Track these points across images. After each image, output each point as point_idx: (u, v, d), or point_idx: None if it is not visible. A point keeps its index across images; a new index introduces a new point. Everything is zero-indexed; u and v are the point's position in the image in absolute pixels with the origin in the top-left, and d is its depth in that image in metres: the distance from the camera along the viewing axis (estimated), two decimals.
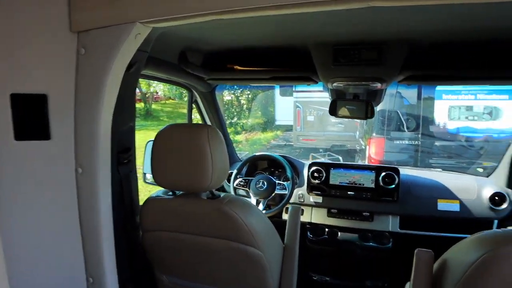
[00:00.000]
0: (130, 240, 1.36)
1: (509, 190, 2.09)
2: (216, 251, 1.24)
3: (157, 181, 1.24)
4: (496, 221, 2.09)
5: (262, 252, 1.23)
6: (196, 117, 2.64)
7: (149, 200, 1.32)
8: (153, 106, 14.45)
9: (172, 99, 15.61)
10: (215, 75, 1.85)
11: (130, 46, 1.10)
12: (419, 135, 4.51)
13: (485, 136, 4.28)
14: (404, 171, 2.25)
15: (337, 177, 2.22)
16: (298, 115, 9.63)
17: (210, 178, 1.17)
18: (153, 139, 2.37)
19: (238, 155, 2.88)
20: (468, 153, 4.34)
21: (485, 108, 4.20)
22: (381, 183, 2.14)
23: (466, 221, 2.10)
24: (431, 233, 2.13)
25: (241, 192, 2.34)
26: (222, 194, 1.29)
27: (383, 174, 2.15)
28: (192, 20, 1.03)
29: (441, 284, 1.06)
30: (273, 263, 1.32)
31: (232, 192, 2.29)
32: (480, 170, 3.49)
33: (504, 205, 2.04)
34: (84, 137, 1.11)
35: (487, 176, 2.33)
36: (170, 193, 1.33)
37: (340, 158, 7.59)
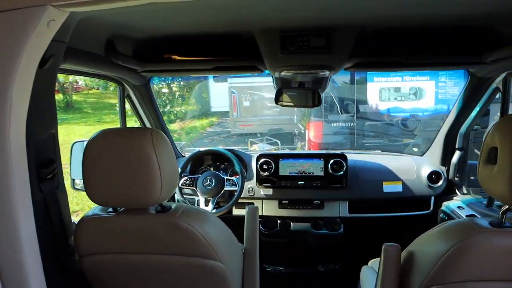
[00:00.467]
0: (65, 269, 1.14)
1: (443, 167, 2.24)
2: (172, 269, 1.09)
3: (93, 198, 1.04)
4: (433, 198, 2.23)
5: (224, 264, 1.11)
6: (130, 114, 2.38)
7: (84, 219, 1.10)
8: (74, 97, 13.17)
9: (96, 89, 14.41)
10: (150, 67, 1.63)
11: (42, 36, 0.87)
12: (355, 117, 4.71)
13: (412, 115, 4.62)
14: (351, 156, 2.28)
15: (286, 168, 2.17)
16: (234, 101, 9.51)
17: (159, 191, 1.01)
18: (81, 140, 2.10)
19: (177, 146, 2.69)
20: (398, 132, 4.67)
21: (410, 89, 4.51)
22: (330, 171, 2.14)
23: (408, 200, 2.21)
24: (378, 214, 2.20)
25: (188, 191, 2.18)
26: (173, 205, 1.13)
27: (331, 161, 2.14)
28: (119, 3, 0.83)
29: (410, 277, 1.05)
30: (235, 271, 1.22)
31: (178, 193, 2.11)
32: (415, 149, 3.75)
33: (440, 182, 2.18)
34: None
35: (422, 155, 2.47)
36: (110, 209, 1.13)
37: (278, 142, 7.69)
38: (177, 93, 11.67)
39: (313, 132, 4.76)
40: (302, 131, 5.53)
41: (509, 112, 1.80)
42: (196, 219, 1.08)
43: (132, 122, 2.51)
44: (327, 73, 1.66)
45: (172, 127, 11.17)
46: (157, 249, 1.08)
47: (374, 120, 4.73)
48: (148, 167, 0.99)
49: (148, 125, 2.28)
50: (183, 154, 2.69)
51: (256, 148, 7.89)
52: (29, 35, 0.83)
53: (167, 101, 11.51)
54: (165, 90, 11.17)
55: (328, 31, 1.42)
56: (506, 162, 0.85)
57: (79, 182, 2.00)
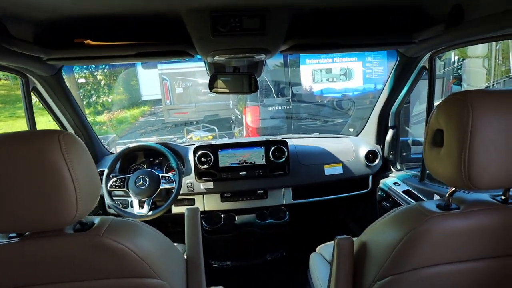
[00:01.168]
0: None
1: (378, 146, 2.30)
2: None
3: None
4: (370, 176, 2.29)
5: (165, 280, 0.97)
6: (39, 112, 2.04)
7: None
8: None
9: (5, 80, 12.71)
10: (58, 54, 1.36)
11: None
12: (290, 100, 4.73)
13: (344, 95, 4.78)
14: (291, 142, 2.24)
15: (226, 159, 2.05)
16: (165, 88, 9.08)
17: (75, 207, 0.82)
18: None
19: (104, 140, 2.41)
20: (333, 113, 4.81)
21: (341, 69, 4.64)
22: (272, 158, 2.07)
23: (348, 181, 2.24)
24: (321, 198, 2.21)
25: (118, 193, 1.95)
26: (96, 220, 0.95)
27: (272, 148, 2.08)
28: None
29: (364, 268, 1.01)
30: (178, 285, 1.08)
31: (106, 196, 1.88)
32: (351, 129, 3.88)
33: (377, 161, 2.24)
34: None
35: (357, 135, 2.53)
36: (14, 233, 0.91)
37: (216, 128, 7.54)
38: (102, 82, 10.75)
39: (250, 117, 4.70)
40: (239, 117, 5.43)
41: (435, 89, 1.88)
42: (125, 233, 0.92)
43: (48, 119, 2.16)
44: (263, 56, 1.55)
45: (99, 119, 10.33)
46: (80, 276, 0.90)
47: (309, 102, 4.81)
48: (58, 180, 0.80)
49: (65, 122, 1.98)
50: (111, 151, 2.42)
51: (193, 137, 7.66)
52: None
53: (92, 91, 10.57)
54: (85, 79, 10.24)
55: (262, 11, 1.30)
56: (452, 144, 0.83)
57: None
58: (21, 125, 9.47)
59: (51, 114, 1.91)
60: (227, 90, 1.83)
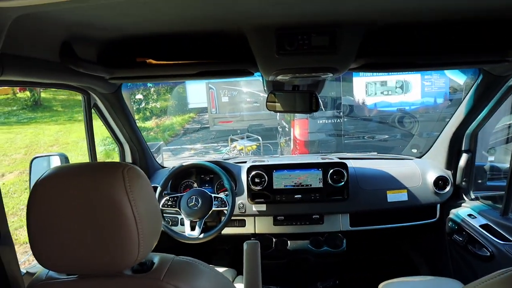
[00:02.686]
0: None
1: (448, 171, 2.07)
2: None
3: (42, 262, 0.77)
4: (438, 205, 2.06)
5: None
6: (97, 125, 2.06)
7: (35, 285, 0.83)
8: (43, 94, 12.37)
9: None
10: (120, 73, 1.34)
11: None
12: (341, 113, 4.53)
13: (399, 109, 4.49)
14: (350, 163, 2.07)
15: (281, 180, 1.94)
16: (212, 97, 9.22)
17: (137, 250, 0.75)
18: (42, 155, 1.78)
19: (152, 148, 2.40)
20: (388, 129, 4.52)
21: (397, 82, 4.37)
22: (330, 181, 1.93)
23: (413, 209, 2.03)
24: (382, 226, 2.02)
25: (170, 211, 1.90)
26: (156, 259, 0.87)
27: (331, 171, 1.93)
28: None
29: None
30: None
31: None
32: (414, 150, 3.61)
33: (447, 188, 2.01)
34: None
35: (421, 157, 2.31)
36: None
37: (260, 138, 7.48)
38: (152, 89, 11.18)
39: (298, 130, 4.55)
40: (286, 129, 5.31)
41: None
42: (185, 276, 0.84)
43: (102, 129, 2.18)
44: (330, 75, 1.43)
45: (147, 124, 10.72)
46: None
47: (362, 117, 4.56)
48: (121, 220, 0.73)
49: (120, 136, 1.98)
50: (158, 158, 2.41)
51: (237, 146, 7.66)
52: None
53: (141, 97, 11.02)
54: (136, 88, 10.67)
55: (332, 28, 1.18)
56: None
57: None
58: (77, 128, 10.07)
59: (108, 128, 1.92)
60: (285, 109, 1.73)
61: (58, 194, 0.74)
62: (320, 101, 1.73)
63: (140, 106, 10.87)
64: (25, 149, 8.05)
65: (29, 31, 0.92)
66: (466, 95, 1.84)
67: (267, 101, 1.72)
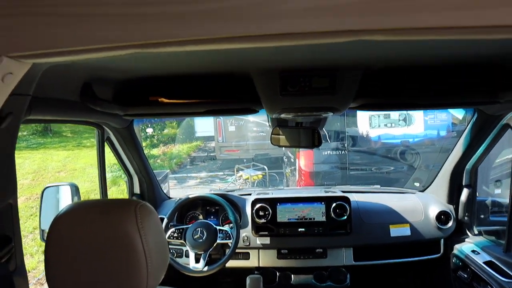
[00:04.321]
0: None
1: (451, 206, 2.09)
2: None
3: None
4: (442, 240, 2.07)
5: None
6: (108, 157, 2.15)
7: None
8: None
9: None
10: (134, 111, 1.43)
11: None
12: (345, 145, 4.59)
13: (402, 142, 4.54)
14: (352, 197, 2.11)
15: (285, 213, 1.98)
16: (219, 126, 9.36)
17: (145, 283, 0.80)
18: (53, 184, 1.85)
19: (159, 176, 2.46)
20: (391, 162, 4.56)
21: (400, 115, 4.45)
22: (333, 215, 1.96)
23: (417, 244, 2.03)
24: (385, 261, 2.02)
25: (175, 243, 1.94)
26: None
27: (333, 205, 1.96)
28: (94, 54, 0.65)
29: None
30: None
31: None
32: (417, 184, 3.63)
33: (450, 223, 2.03)
34: None
35: (423, 190, 2.33)
36: None
37: (265, 167, 7.52)
38: None
39: (303, 161, 4.60)
40: (292, 159, 5.36)
41: None
42: None
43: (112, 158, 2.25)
44: (330, 114, 1.51)
45: (154, 152, 10.83)
46: None
47: (366, 151, 4.61)
48: (131, 254, 0.78)
49: (130, 168, 2.06)
50: (169, 195, 2.46)
51: (243, 175, 7.69)
52: None
53: (149, 125, 11.21)
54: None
55: (332, 71, 1.27)
56: None
57: None
58: (85, 154, 10.20)
59: (118, 159, 2.00)
60: (289, 144, 1.80)
61: (75, 230, 0.80)
62: (322, 137, 1.81)
63: (148, 134, 11.04)
64: (32, 175, 8.14)
65: (55, 77, 1.02)
66: (464, 130, 1.90)
67: (271, 136, 1.79)
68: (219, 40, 0.54)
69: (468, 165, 1.99)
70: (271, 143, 1.81)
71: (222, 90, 1.44)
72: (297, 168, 4.74)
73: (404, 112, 4.46)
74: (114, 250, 0.78)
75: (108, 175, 7.76)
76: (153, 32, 0.53)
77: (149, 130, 10.50)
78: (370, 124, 4.52)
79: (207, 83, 1.42)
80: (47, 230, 1.89)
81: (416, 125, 4.45)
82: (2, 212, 0.90)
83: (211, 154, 10.23)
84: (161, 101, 1.42)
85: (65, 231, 0.81)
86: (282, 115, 1.50)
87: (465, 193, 2.01)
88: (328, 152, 4.63)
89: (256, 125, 8.55)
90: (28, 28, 0.56)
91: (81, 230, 0.80)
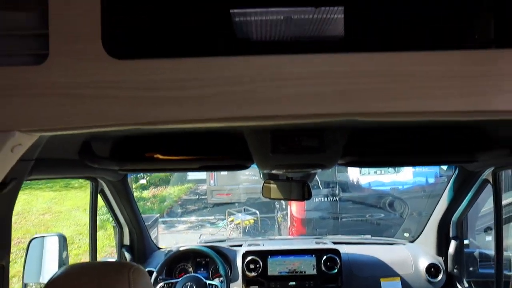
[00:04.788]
0: None
1: (440, 258, 2.11)
2: None
3: None
4: None
5: None
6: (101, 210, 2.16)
7: None
8: None
9: None
10: (130, 166, 1.49)
11: (3, 161, 0.72)
12: (336, 191, 4.64)
13: (392, 188, 4.62)
14: (343, 249, 2.12)
15: (275, 266, 1.97)
16: None
17: None
18: (40, 235, 1.84)
19: (148, 221, 2.44)
20: (382, 210, 4.61)
21: None
22: (323, 268, 1.96)
23: None
24: None
25: None
26: None
27: (324, 258, 1.98)
28: (100, 129, 0.71)
29: None
30: None
31: None
32: (406, 234, 3.66)
33: (440, 276, 2.04)
34: None
35: (413, 241, 2.36)
36: None
37: (257, 212, 7.45)
38: None
39: (295, 207, 4.62)
40: (284, 206, 5.37)
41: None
42: None
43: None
44: (319, 170, 1.58)
45: (145, 194, 10.67)
46: None
47: (357, 200, 4.67)
48: None
49: (121, 219, 2.06)
50: (158, 245, 2.44)
51: (234, 219, 7.59)
52: None
53: (143, 176, 11.11)
54: None
55: (320, 132, 1.36)
56: None
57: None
58: (72, 195, 9.97)
59: (110, 211, 2.01)
60: (280, 197, 1.85)
61: None
62: (311, 189, 1.86)
63: (138, 175, 10.93)
64: (15, 217, 7.90)
65: (57, 140, 1.08)
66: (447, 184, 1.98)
67: (262, 188, 1.84)
68: (216, 120, 0.61)
69: (454, 217, 2.04)
70: (262, 195, 1.86)
71: (215, 147, 1.51)
72: (288, 214, 4.74)
73: None
74: None
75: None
76: (157, 113, 0.61)
77: (143, 181, 10.45)
78: (360, 171, 4.62)
79: (202, 140, 1.50)
80: (30, 284, 1.86)
81: (405, 172, 4.56)
82: None
83: (203, 197, 10.12)
84: (157, 157, 1.48)
85: None
86: (273, 171, 1.56)
87: (453, 245, 2.05)
88: (320, 198, 4.66)
89: (248, 169, 8.56)
90: (41, 106, 0.63)
91: None
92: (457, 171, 1.84)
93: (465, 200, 1.91)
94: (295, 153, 1.37)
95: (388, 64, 0.59)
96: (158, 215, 7.92)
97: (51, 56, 0.61)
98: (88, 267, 0.88)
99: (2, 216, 0.90)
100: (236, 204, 8.49)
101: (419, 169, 4.56)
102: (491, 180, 1.72)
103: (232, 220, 7.66)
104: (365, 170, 4.59)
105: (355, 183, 4.68)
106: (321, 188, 4.68)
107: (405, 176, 4.58)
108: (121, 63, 0.60)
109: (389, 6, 0.79)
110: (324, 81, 0.59)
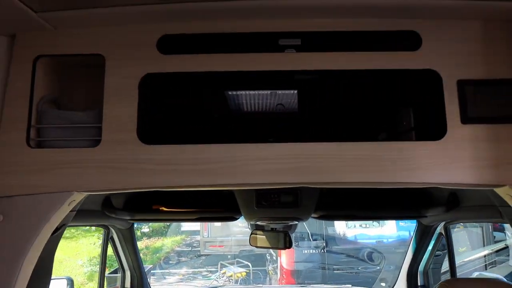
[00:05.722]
0: None
1: None
2: None
3: None
4: None
5: None
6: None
7: None
8: None
9: None
10: (139, 216, 1.81)
11: (62, 213, 1.04)
12: (324, 243, 4.85)
13: (377, 241, 4.85)
14: None
15: None
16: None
17: None
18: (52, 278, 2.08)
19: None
20: (365, 263, 4.80)
21: None
22: None
23: None
24: None
25: None
26: None
27: None
28: (135, 190, 1.05)
29: None
30: None
31: None
32: (383, 284, 3.86)
33: None
34: None
35: None
36: None
37: (250, 264, 7.46)
38: None
39: (285, 259, 4.79)
40: (274, 257, 5.51)
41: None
42: None
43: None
44: (296, 222, 1.90)
45: (138, 245, 10.57)
46: None
47: (343, 253, 4.87)
48: None
49: (125, 264, 2.31)
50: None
51: (227, 272, 7.57)
52: (53, 214, 0.97)
53: (146, 226, 11.10)
54: None
55: (295, 190, 1.71)
56: None
57: None
58: (64, 245, 9.82)
59: (116, 255, 2.27)
60: (265, 245, 2.14)
61: None
62: (292, 240, 2.15)
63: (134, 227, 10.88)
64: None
65: (90, 196, 1.41)
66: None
67: (250, 238, 2.13)
68: (214, 186, 0.97)
69: (420, 267, 2.31)
70: (250, 244, 2.15)
71: (210, 202, 1.84)
72: (278, 266, 4.89)
73: None
74: None
75: (87, 270, 7.55)
76: (171, 181, 0.96)
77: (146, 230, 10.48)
78: (346, 224, 4.87)
79: (199, 196, 1.84)
80: None
81: (389, 226, 4.82)
82: None
83: (195, 248, 10.06)
84: (162, 209, 1.81)
85: None
86: (258, 222, 1.88)
87: None
88: (309, 250, 4.85)
89: (241, 221, 8.66)
90: (93, 175, 0.98)
91: None
92: (417, 225, 2.16)
93: (427, 252, 2.20)
94: (276, 207, 1.72)
95: (328, 150, 0.96)
96: (151, 266, 7.90)
97: (103, 142, 0.98)
98: None
99: (50, 253, 1.19)
100: (229, 256, 8.48)
101: (403, 223, 4.82)
102: (444, 233, 2.04)
103: (225, 273, 7.63)
104: (350, 223, 4.85)
105: (342, 236, 4.91)
106: (311, 240, 4.89)
107: (390, 230, 4.83)
108: (148, 147, 0.97)
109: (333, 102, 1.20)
110: (282, 161, 0.95)
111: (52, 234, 1.09)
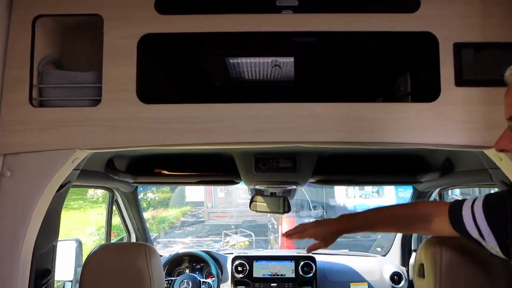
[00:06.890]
0: None
1: (403, 268, 2.44)
2: None
3: None
4: None
5: None
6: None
7: None
8: None
9: None
10: (141, 180, 1.87)
11: (66, 170, 1.09)
12: (324, 213, 4.97)
13: None
14: (320, 257, 2.45)
15: (260, 270, 2.30)
16: (209, 192, 9.63)
17: None
18: (62, 239, 2.18)
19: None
20: None
21: (373, 187, 4.92)
22: (301, 272, 2.29)
23: None
24: None
25: None
26: None
27: (301, 263, 2.31)
28: (135, 148, 1.09)
29: None
30: None
31: None
32: (379, 249, 3.96)
33: (402, 283, 2.36)
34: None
35: (385, 255, 2.68)
36: None
37: (252, 234, 7.69)
38: None
39: (286, 227, 4.92)
40: (275, 226, 5.67)
41: None
42: None
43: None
44: (294, 187, 1.95)
45: (144, 215, 10.87)
46: None
47: None
48: (141, 277, 1.15)
49: (130, 227, 2.41)
50: (159, 253, 2.76)
51: (230, 241, 7.83)
52: (57, 171, 1.03)
53: (141, 188, 11.34)
54: None
55: (293, 155, 1.75)
56: (430, 276, 1.09)
57: None
58: (71, 217, 10.14)
59: (121, 218, 2.37)
60: (264, 210, 2.21)
61: (103, 263, 1.17)
62: (291, 204, 2.23)
63: (138, 197, 11.15)
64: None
65: (94, 156, 1.46)
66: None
67: (250, 203, 2.20)
68: (214, 144, 1.01)
69: None
70: (250, 208, 2.22)
71: (211, 166, 1.89)
72: (279, 234, 5.04)
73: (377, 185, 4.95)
74: (130, 276, 1.15)
75: (95, 238, 7.82)
76: (170, 138, 1.00)
77: (150, 195, 10.71)
78: (346, 195, 4.97)
79: (199, 160, 1.89)
80: None
81: (388, 197, 4.91)
82: (48, 251, 1.26)
83: (200, 219, 10.34)
84: (163, 172, 1.86)
85: (96, 264, 1.18)
86: (257, 187, 1.94)
87: (413, 256, 2.38)
88: (309, 219, 4.98)
89: (245, 191, 8.88)
90: (94, 133, 1.02)
91: (108, 263, 1.17)
92: (412, 191, 2.21)
93: None
94: (274, 171, 1.76)
95: (323, 110, 0.98)
96: (157, 234, 8.16)
97: (102, 101, 1.01)
98: (116, 245, 1.24)
99: (56, 209, 1.26)
100: (232, 226, 8.74)
101: (401, 193, 4.91)
102: (438, 200, 2.09)
103: (228, 242, 7.90)
104: (350, 193, 4.94)
105: (342, 206, 5.01)
106: (311, 209, 5.02)
107: (388, 200, 4.92)
108: (147, 106, 1.00)
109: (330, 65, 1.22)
110: (278, 120, 0.98)
111: (58, 191, 1.15)
